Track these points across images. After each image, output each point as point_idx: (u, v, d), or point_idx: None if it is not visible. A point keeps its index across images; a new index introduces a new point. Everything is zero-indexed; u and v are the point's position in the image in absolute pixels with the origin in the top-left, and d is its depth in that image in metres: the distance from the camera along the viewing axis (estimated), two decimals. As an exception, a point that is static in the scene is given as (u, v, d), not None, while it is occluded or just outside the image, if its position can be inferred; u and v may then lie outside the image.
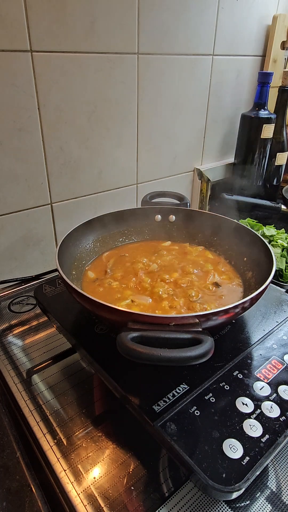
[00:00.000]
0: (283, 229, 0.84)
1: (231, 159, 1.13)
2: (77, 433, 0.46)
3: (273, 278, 0.50)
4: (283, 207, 0.98)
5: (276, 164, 1.08)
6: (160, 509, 0.38)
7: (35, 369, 0.56)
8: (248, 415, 0.40)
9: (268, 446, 0.37)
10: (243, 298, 0.45)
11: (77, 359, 0.57)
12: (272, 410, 0.40)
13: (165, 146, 0.95)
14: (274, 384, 0.43)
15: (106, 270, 0.64)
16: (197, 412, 0.40)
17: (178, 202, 0.77)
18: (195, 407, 0.40)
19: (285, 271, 0.74)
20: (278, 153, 1.07)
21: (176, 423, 0.39)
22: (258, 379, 0.44)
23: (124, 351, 0.36)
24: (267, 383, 0.43)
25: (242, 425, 0.39)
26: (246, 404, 0.41)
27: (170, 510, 0.38)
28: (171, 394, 0.42)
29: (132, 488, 0.40)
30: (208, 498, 0.39)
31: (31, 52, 0.64)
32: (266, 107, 1.00)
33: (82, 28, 0.69)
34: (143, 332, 0.38)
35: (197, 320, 0.41)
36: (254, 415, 0.40)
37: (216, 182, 1.07)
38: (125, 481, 0.41)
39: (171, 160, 0.98)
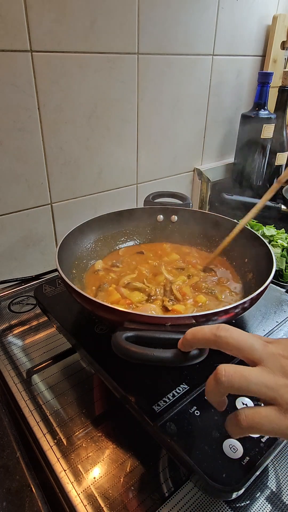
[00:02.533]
0: (283, 229, 0.84)
1: (231, 159, 1.13)
2: (77, 433, 0.46)
3: (273, 278, 0.50)
4: (283, 207, 0.98)
5: (276, 164, 1.08)
6: (160, 509, 0.38)
7: (35, 369, 0.56)
8: (248, 415, 0.40)
9: (268, 446, 0.37)
10: (243, 298, 0.45)
11: (77, 359, 0.57)
12: (272, 410, 0.40)
13: (165, 146, 0.95)
14: (274, 384, 0.43)
15: (114, 261, 0.66)
16: (197, 412, 0.40)
17: (181, 202, 0.77)
18: (195, 407, 0.40)
19: (285, 271, 0.74)
20: (278, 153, 1.07)
21: (176, 423, 0.38)
22: (258, 379, 0.44)
23: (118, 351, 0.36)
24: (267, 383, 0.43)
25: (242, 425, 0.39)
26: (246, 404, 0.41)
27: (170, 510, 0.38)
28: (171, 394, 0.42)
29: (132, 488, 0.40)
30: (208, 498, 0.39)
31: (31, 52, 0.64)
32: (266, 107, 0.99)
33: (82, 28, 0.69)
34: (138, 332, 0.38)
35: (194, 321, 0.41)
36: (254, 415, 0.40)
37: (216, 182, 1.07)
38: (125, 481, 0.41)
39: (171, 160, 0.98)
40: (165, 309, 0.54)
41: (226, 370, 0.29)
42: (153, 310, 0.53)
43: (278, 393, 0.28)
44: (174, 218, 0.75)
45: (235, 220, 0.68)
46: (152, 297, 0.56)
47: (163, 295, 0.57)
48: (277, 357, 0.29)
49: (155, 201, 0.77)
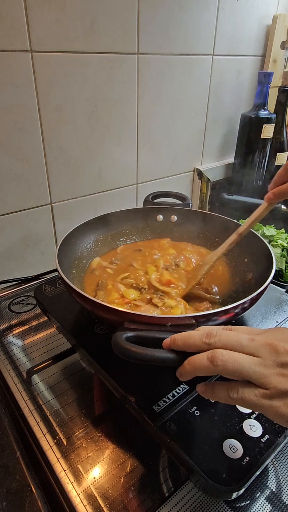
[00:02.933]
0: (283, 229, 0.84)
1: (231, 159, 1.13)
2: (77, 433, 0.46)
3: (273, 278, 0.50)
4: (283, 207, 0.98)
5: (276, 164, 1.08)
6: (160, 509, 0.38)
7: (35, 369, 0.56)
8: (248, 415, 0.40)
9: (268, 446, 0.37)
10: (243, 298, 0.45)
11: (77, 359, 0.57)
12: (272, 410, 0.40)
13: (165, 146, 0.95)
14: (274, 384, 0.43)
15: (112, 259, 0.67)
16: (197, 412, 0.40)
17: (180, 202, 0.77)
18: (195, 407, 0.40)
19: (285, 271, 0.74)
20: (278, 153, 1.07)
21: (176, 423, 0.39)
22: (258, 379, 0.44)
23: (118, 351, 0.36)
24: (267, 383, 0.43)
25: (242, 425, 0.39)
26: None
27: (170, 510, 0.38)
28: (171, 394, 0.42)
29: (132, 488, 0.40)
30: (208, 498, 0.39)
31: (31, 52, 0.64)
32: (266, 107, 0.99)
33: (82, 28, 0.69)
34: (139, 332, 0.38)
35: (194, 321, 0.41)
36: (254, 415, 0.40)
37: (216, 182, 1.07)
38: (125, 481, 0.41)
39: (171, 160, 0.98)
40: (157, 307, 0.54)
41: (223, 354, 0.31)
42: (154, 312, 0.53)
43: (267, 380, 0.30)
44: (174, 218, 0.75)
45: (234, 220, 0.68)
46: (142, 291, 0.56)
47: (152, 293, 0.56)
48: (265, 347, 0.31)
49: (154, 201, 0.77)
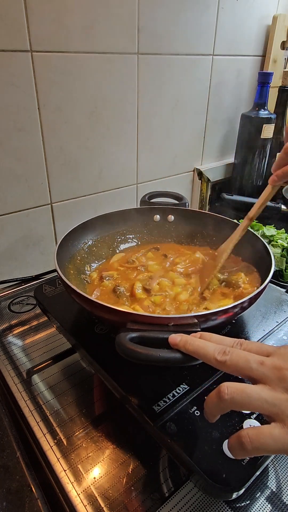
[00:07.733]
0: (283, 229, 0.84)
1: (231, 159, 1.13)
2: (77, 433, 0.46)
3: (273, 278, 0.50)
4: (283, 207, 0.98)
5: (276, 164, 1.08)
6: (160, 509, 0.38)
7: (35, 369, 0.56)
8: (248, 415, 0.40)
9: (268, 446, 0.37)
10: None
11: (77, 359, 0.57)
12: (272, 410, 0.40)
13: (165, 146, 0.95)
14: (274, 384, 0.43)
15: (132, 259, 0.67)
16: (197, 412, 0.40)
17: (177, 202, 0.77)
18: (195, 407, 0.40)
19: (285, 271, 0.74)
20: (278, 153, 1.06)
21: (176, 423, 0.39)
22: (258, 379, 0.44)
23: (123, 352, 0.36)
24: (267, 383, 0.43)
25: (242, 425, 0.39)
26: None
27: (170, 510, 0.38)
28: (171, 394, 0.42)
29: (132, 488, 0.40)
30: (208, 498, 0.39)
31: (31, 52, 0.64)
32: (266, 107, 0.99)
33: (82, 28, 0.69)
34: (142, 333, 0.38)
35: (196, 321, 0.41)
36: (254, 415, 0.40)
37: (216, 182, 1.07)
38: (125, 481, 0.41)
39: (171, 160, 0.98)
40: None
41: (228, 388, 0.30)
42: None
43: (280, 409, 0.28)
44: (171, 217, 0.75)
45: (234, 220, 0.68)
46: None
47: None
48: (275, 371, 0.30)
49: (151, 201, 0.77)
